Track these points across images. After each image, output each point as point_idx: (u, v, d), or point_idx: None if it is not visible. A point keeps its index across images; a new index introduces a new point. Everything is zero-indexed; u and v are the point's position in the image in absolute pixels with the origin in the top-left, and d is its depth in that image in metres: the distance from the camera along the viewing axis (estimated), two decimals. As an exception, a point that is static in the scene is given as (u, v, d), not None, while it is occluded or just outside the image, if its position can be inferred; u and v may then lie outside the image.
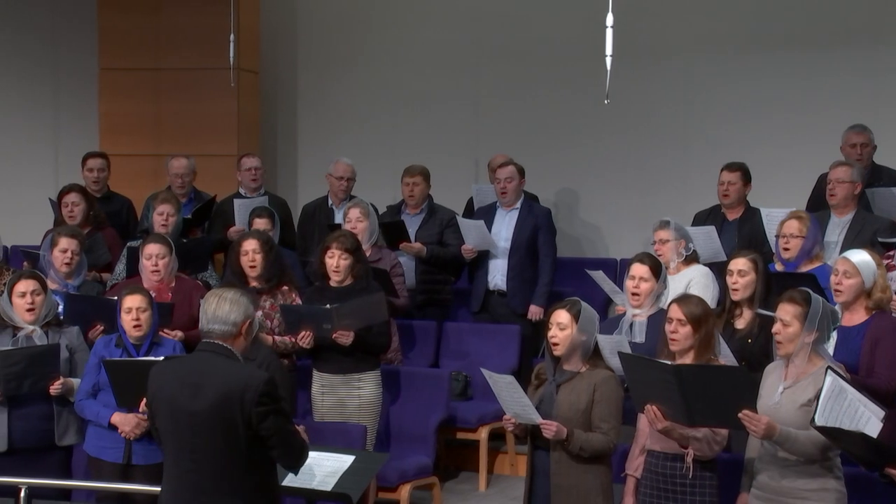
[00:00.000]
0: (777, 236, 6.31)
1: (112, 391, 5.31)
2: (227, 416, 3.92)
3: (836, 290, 5.39)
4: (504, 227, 7.76)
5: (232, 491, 3.96)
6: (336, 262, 6.30)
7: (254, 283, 6.31)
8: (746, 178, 7.33)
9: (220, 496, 3.96)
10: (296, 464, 4.14)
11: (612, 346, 5.23)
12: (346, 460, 4.76)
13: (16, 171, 10.19)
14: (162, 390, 4.08)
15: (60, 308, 6.01)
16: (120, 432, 5.38)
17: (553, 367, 4.89)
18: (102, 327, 6.01)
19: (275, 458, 4.05)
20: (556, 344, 4.83)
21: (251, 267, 6.36)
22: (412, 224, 7.81)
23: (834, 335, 5.15)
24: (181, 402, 3.99)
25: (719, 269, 6.12)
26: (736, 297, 5.60)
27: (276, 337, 6.26)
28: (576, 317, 4.80)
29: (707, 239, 6.74)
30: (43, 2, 10.30)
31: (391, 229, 7.59)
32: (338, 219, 7.88)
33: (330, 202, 8.10)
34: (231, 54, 8.18)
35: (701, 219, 7.39)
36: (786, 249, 6.18)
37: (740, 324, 5.61)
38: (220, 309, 4.05)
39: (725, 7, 9.05)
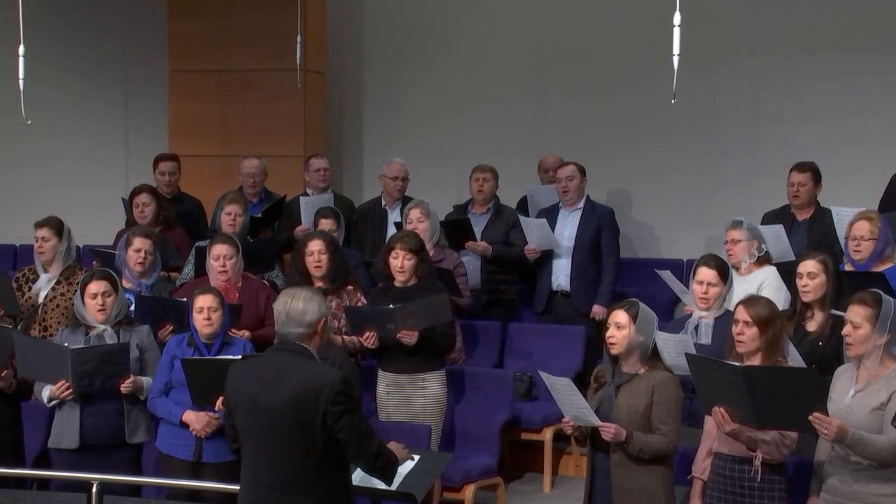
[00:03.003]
0: (846, 238, 6.21)
1: (188, 389, 5.37)
2: (304, 414, 3.96)
3: (911, 292, 5.28)
4: (567, 227, 7.73)
5: (307, 488, 4.00)
6: (400, 262, 6.33)
7: (318, 284, 6.34)
8: (817, 179, 7.23)
9: (295, 493, 4.00)
10: (372, 465, 4.08)
11: (675, 346, 5.19)
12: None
13: (88, 171, 10.39)
14: (240, 388, 4.14)
15: (132, 307, 6.10)
16: (191, 430, 5.46)
17: (612, 370, 4.87)
18: (172, 327, 6.08)
19: (350, 457, 4.05)
20: (613, 343, 4.81)
21: (316, 267, 6.40)
22: (478, 223, 7.82)
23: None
24: (259, 400, 4.04)
25: (789, 272, 6.04)
26: (807, 298, 5.53)
27: (345, 337, 6.30)
28: (634, 317, 4.78)
29: (775, 238, 6.66)
30: (115, 6, 10.49)
31: (456, 227, 7.60)
32: (392, 219, 7.91)
33: (384, 203, 8.13)
34: (298, 56, 8.26)
35: (770, 219, 7.30)
36: (857, 252, 6.08)
37: (811, 326, 5.53)
38: (294, 310, 4.09)
39: (794, 5, 8.93)
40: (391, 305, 6.07)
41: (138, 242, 6.54)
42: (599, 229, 7.69)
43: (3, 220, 9.92)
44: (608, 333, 4.82)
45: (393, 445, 4.29)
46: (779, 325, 4.75)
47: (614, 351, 4.82)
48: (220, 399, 5.29)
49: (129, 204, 7.81)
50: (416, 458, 4.74)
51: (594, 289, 7.65)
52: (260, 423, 4.05)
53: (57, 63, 10.20)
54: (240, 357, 5.18)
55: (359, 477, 4.53)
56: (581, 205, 7.77)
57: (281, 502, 4.02)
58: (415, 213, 7.08)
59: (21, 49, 6.13)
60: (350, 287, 6.48)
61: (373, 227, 8.02)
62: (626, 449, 4.71)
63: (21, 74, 6.16)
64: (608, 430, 4.68)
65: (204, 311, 5.54)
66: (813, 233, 7.08)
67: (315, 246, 6.43)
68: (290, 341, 4.10)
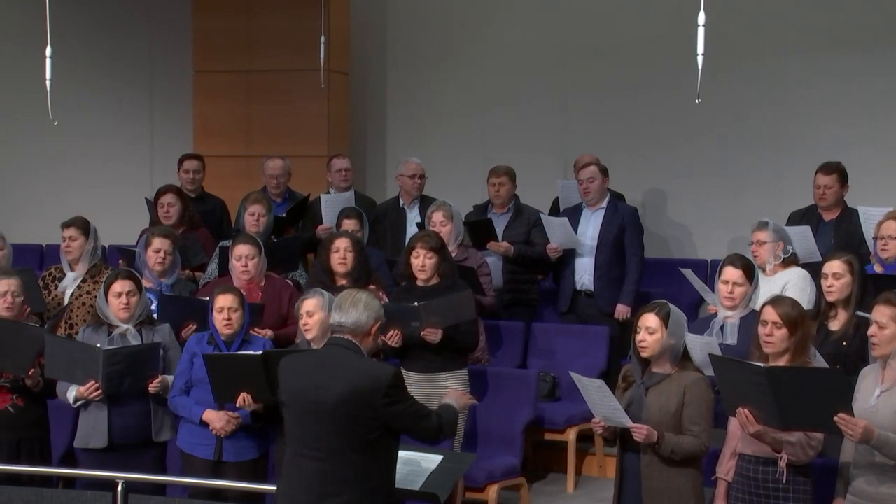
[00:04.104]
0: (875, 238, 6.18)
1: (210, 386, 5.39)
2: (354, 409, 4.05)
3: (938, 293, 5.24)
4: (590, 227, 7.71)
5: (352, 483, 4.07)
6: (421, 261, 6.33)
7: (342, 282, 6.37)
8: (843, 179, 7.17)
9: (340, 486, 4.07)
10: (435, 439, 4.27)
11: (702, 347, 5.17)
12: (433, 460, 4.78)
13: (113, 171, 10.46)
14: (291, 381, 4.24)
15: (153, 306, 6.13)
16: (211, 429, 5.48)
17: (641, 370, 4.85)
18: (195, 326, 6.11)
19: (415, 438, 4.24)
20: (644, 347, 4.79)
21: (341, 264, 6.42)
22: (499, 223, 7.81)
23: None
24: (309, 393, 4.13)
25: (814, 270, 6.01)
26: (831, 298, 5.50)
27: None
28: (665, 320, 4.75)
29: (802, 239, 6.62)
30: (140, 7, 10.55)
31: (478, 228, 7.60)
32: (411, 218, 7.92)
33: (401, 202, 8.14)
34: (321, 56, 8.29)
35: (796, 219, 7.26)
36: (884, 250, 6.06)
37: (834, 325, 5.50)
38: (354, 307, 4.23)
39: (818, 5, 8.90)
40: (415, 303, 6.08)
41: (157, 243, 6.57)
42: (623, 228, 7.67)
43: (29, 220, 9.99)
44: (638, 338, 4.79)
45: (450, 397, 4.47)
46: (807, 326, 4.72)
47: (645, 354, 4.79)
48: (241, 396, 5.33)
49: (154, 204, 7.85)
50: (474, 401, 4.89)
51: (618, 288, 7.63)
52: (309, 416, 4.13)
53: (83, 64, 10.28)
54: (259, 353, 5.25)
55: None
56: (604, 204, 7.76)
57: (322, 494, 4.08)
58: (438, 217, 7.08)
59: (48, 50, 6.17)
60: (372, 287, 6.48)
61: (391, 227, 8.04)
62: (658, 450, 4.68)
63: (48, 76, 6.19)
64: (640, 431, 4.66)
65: (224, 312, 5.56)
66: (840, 233, 7.03)
67: (342, 243, 6.47)
68: (344, 338, 4.20)
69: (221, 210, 8.59)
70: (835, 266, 5.52)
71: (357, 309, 4.22)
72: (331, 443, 4.08)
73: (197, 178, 8.47)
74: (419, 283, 6.38)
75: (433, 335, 6.10)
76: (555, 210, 8.44)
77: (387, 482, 4.19)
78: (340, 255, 6.43)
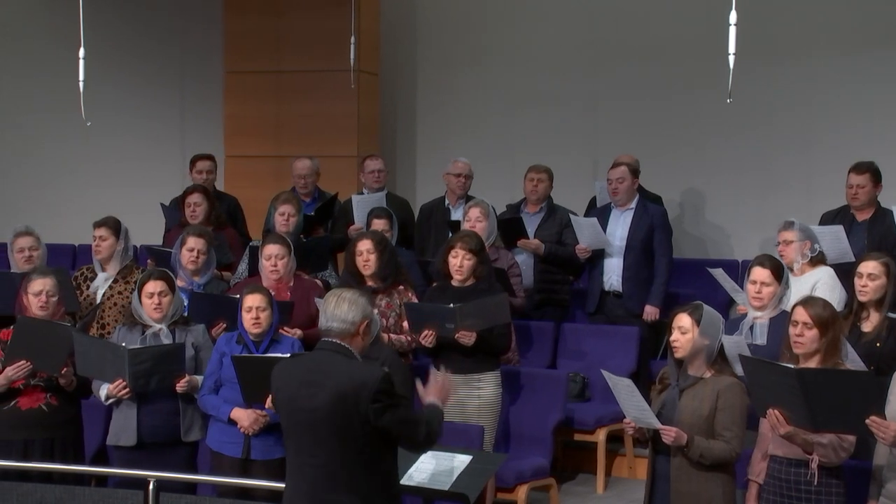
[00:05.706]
0: (907, 237, 6.13)
1: (240, 387, 5.41)
2: (345, 413, 3.98)
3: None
4: (619, 227, 7.69)
5: (350, 487, 4.01)
6: (459, 261, 6.33)
7: (370, 283, 6.37)
8: (876, 179, 7.11)
9: (338, 492, 4.01)
10: (422, 449, 4.20)
11: (730, 347, 5.14)
12: (463, 460, 4.79)
13: (144, 171, 10.53)
14: (283, 388, 4.18)
15: (186, 304, 6.16)
16: (239, 428, 5.50)
17: (676, 372, 4.83)
18: (225, 325, 6.14)
19: (401, 447, 4.11)
20: (677, 347, 4.77)
21: (365, 266, 6.42)
22: (531, 223, 7.81)
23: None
24: (300, 400, 4.06)
25: (845, 271, 5.96)
26: (863, 298, 5.45)
27: (392, 336, 6.32)
28: (697, 321, 4.73)
29: (834, 239, 6.57)
30: (171, 8, 10.62)
31: (510, 226, 7.60)
32: (455, 218, 7.92)
33: (447, 202, 8.15)
34: (351, 56, 8.32)
35: (828, 219, 7.20)
36: (916, 251, 6.01)
37: (867, 326, 5.46)
38: (338, 308, 4.11)
39: (850, 4, 8.83)
40: (451, 305, 6.07)
41: (191, 242, 6.61)
42: (651, 229, 7.64)
43: (62, 220, 10.08)
44: (672, 337, 4.77)
45: (432, 395, 4.27)
46: (838, 327, 4.69)
47: (678, 355, 4.77)
48: (270, 397, 5.34)
49: (180, 204, 7.89)
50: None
51: (646, 289, 7.61)
52: (302, 422, 4.07)
53: (115, 65, 10.36)
54: (288, 355, 5.25)
55: (415, 479, 4.56)
56: (633, 205, 7.73)
57: (322, 500, 4.03)
58: (474, 213, 7.09)
59: (81, 52, 6.22)
60: (401, 286, 6.49)
61: (436, 226, 8.05)
62: (687, 453, 4.66)
63: (81, 77, 6.24)
64: (669, 434, 4.64)
65: (252, 311, 5.58)
66: (873, 234, 6.97)
67: (364, 246, 6.46)
68: (332, 341, 4.12)
69: (235, 208, 8.62)
70: (871, 266, 5.47)
71: (341, 309, 4.10)
72: (326, 449, 4.01)
73: (210, 179, 8.50)
74: (454, 283, 6.38)
75: (467, 338, 6.10)
76: (591, 210, 8.41)
77: (387, 484, 4.11)
78: (363, 258, 6.43)
